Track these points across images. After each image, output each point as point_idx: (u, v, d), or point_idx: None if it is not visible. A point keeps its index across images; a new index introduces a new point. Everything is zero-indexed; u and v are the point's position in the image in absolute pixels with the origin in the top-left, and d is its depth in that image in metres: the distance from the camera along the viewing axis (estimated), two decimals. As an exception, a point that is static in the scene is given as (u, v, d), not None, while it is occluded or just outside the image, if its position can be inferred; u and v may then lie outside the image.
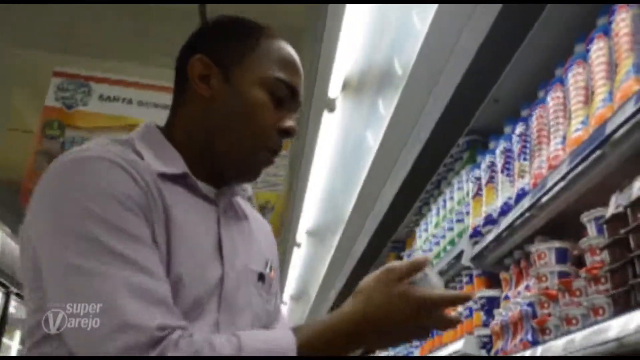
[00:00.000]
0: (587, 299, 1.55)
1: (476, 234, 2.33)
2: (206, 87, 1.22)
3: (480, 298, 2.29)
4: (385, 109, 2.57)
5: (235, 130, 1.20)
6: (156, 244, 1.07)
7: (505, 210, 2.11)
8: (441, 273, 2.71)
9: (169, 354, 0.94)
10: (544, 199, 1.81)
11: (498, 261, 2.31)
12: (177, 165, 1.19)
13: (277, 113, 1.20)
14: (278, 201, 5.36)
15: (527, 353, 1.79)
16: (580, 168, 1.63)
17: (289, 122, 1.21)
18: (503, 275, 2.24)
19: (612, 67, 1.58)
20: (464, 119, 2.49)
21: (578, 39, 1.79)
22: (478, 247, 2.31)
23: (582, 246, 1.61)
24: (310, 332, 1.04)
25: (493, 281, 2.37)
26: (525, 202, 1.91)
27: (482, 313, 2.28)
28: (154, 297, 0.99)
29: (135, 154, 1.15)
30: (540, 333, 1.78)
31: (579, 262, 1.80)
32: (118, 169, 1.08)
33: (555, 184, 1.72)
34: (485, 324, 2.24)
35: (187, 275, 1.11)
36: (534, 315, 1.87)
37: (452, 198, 2.70)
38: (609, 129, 1.47)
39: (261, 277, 1.28)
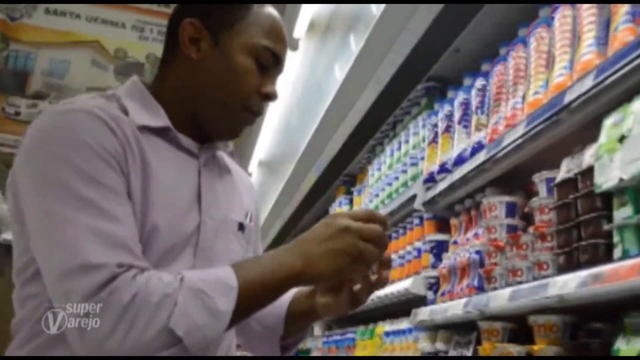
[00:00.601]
0: (533, 254, 1.69)
1: (430, 179, 2.44)
2: (195, 50, 1.28)
3: (430, 241, 2.42)
4: (352, 48, 2.61)
5: (221, 93, 1.27)
6: (130, 195, 1.14)
7: (459, 160, 2.22)
8: (392, 214, 2.84)
9: (124, 288, 1.01)
10: (499, 155, 1.92)
11: (449, 207, 2.44)
12: (160, 119, 1.26)
13: (260, 78, 1.27)
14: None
15: (473, 298, 1.94)
16: (535, 131, 1.74)
17: (271, 87, 1.29)
18: (453, 221, 2.37)
19: (574, 37, 1.66)
20: (425, 66, 2.56)
21: (543, 4, 1.85)
22: (431, 193, 2.43)
23: (532, 205, 1.73)
24: (246, 262, 1.14)
25: (443, 225, 2.51)
26: (481, 156, 2.01)
27: (431, 255, 2.42)
28: (117, 241, 1.06)
29: (120, 109, 1.22)
30: (487, 281, 1.93)
31: (527, 217, 1.94)
32: (97, 121, 1.14)
33: (512, 142, 1.82)
34: (434, 266, 2.39)
35: (163, 224, 1.19)
36: (482, 263, 2.01)
37: (407, 142, 2.79)
38: (567, 98, 1.57)
39: (241, 227, 1.37)
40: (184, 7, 1.32)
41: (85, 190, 1.08)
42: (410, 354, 2.43)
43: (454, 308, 2.01)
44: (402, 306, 2.86)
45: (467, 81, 2.33)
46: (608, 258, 1.39)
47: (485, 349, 1.86)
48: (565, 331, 1.61)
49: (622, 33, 1.44)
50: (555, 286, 1.49)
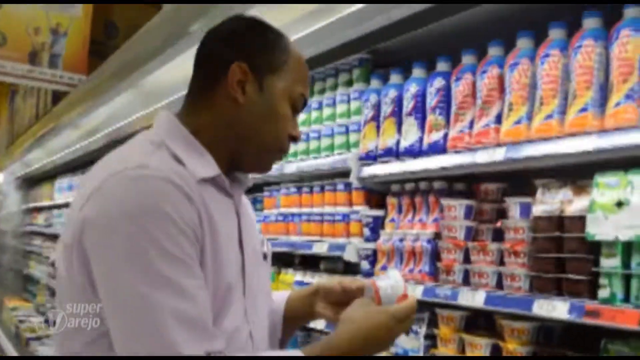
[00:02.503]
0: (508, 268, 2.07)
1: (369, 158, 2.70)
2: (241, 93, 1.40)
3: (367, 216, 2.72)
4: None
5: (262, 136, 1.44)
6: (203, 262, 1.28)
7: (410, 151, 2.50)
8: (317, 175, 3.06)
9: None
10: (472, 170, 2.24)
11: (385, 185, 2.74)
12: (212, 167, 1.40)
13: (292, 121, 1.46)
14: (73, 25, 4.99)
15: (429, 284, 2.31)
16: (514, 163, 2.07)
17: (298, 130, 1.49)
18: (391, 200, 2.68)
19: (563, 82, 1.98)
20: (370, 38, 2.70)
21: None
22: (369, 170, 2.69)
23: (507, 224, 2.10)
24: (313, 348, 1.35)
25: (372, 198, 2.81)
26: (444, 160, 2.31)
27: (366, 229, 2.72)
28: (200, 325, 1.22)
29: (174, 159, 1.34)
30: (445, 273, 2.30)
31: (479, 214, 2.31)
32: (177, 191, 1.26)
33: (488, 163, 2.14)
34: (369, 240, 2.71)
35: (232, 279, 1.37)
36: (434, 254, 2.37)
37: (334, 105, 2.98)
38: (560, 149, 1.91)
39: (265, 256, 1.57)
40: (228, 46, 1.41)
41: (168, 268, 1.20)
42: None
43: (409, 290, 2.36)
44: (315, 260, 3.18)
45: (418, 72, 2.56)
46: (592, 295, 1.81)
47: (446, 334, 2.27)
48: (537, 336, 2.05)
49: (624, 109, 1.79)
50: (541, 307, 1.89)
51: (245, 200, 1.56)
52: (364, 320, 1.37)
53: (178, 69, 3.40)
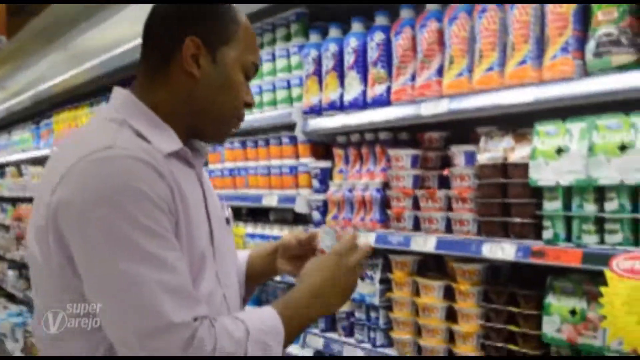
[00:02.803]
0: (455, 214, 2.21)
1: (313, 112, 2.77)
2: (196, 67, 1.45)
3: (315, 168, 2.81)
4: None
5: (218, 106, 1.51)
6: (178, 233, 1.35)
7: (354, 104, 2.58)
8: (261, 129, 3.12)
9: (206, 339, 1.28)
10: (415, 121, 2.34)
11: (330, 136, 2.82)
12: (175, 142, 1.47)
13: (246, 88, 1.53)
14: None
15: (380, 231, 2.44)
16: (456, 115, 2.19)
17: (251, 96, 1.56)
18: (337, 151, 2.77)
19: (501, 36, 2.08)
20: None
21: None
22: (315, 124, 2.76)
23: (454, 172, 2.23)
24: (285, 309, 1.43)
25: (317, 148, 2.89)
26: (390, 112, 2.40)
27: (315, 180, 2.81)
28: (185, 294, 1.30)
29: (137, 136, 1.39)
30: (396, 220, 2.42)
31: (424, 161, 2.44)
32: (148, 168, 1.31)
33: (432, 115, 2.25)
34: (318, 191, 2.80)
35: (205, 247, 1.46)
36: (384, 202, 2.49)
37: (273, 60, 3.01)
38: (502, 100, 2.03)
39: (227, 221, 1.66)
40: (178, 22, 1.45)
41: (148, 243, 1.27)
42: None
43: (362, 238, 2.47)
44: (262, 211, 3.27)
45: (357, 27, 2.61)
46: (536, 236, 1.97)
47: (400, 277, 2.41)
48: (486, 275, 2.21)
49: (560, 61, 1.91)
50: (490, 250, 2.04)
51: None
52: (315, 267, 1.51)
53: (105, 31, 3.34)
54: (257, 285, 1.85)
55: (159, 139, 1.40)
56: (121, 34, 3.52)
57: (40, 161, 6.37)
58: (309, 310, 1.47)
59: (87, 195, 1.27)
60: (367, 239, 2.43)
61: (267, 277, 1.87)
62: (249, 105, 1.54)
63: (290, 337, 1.41)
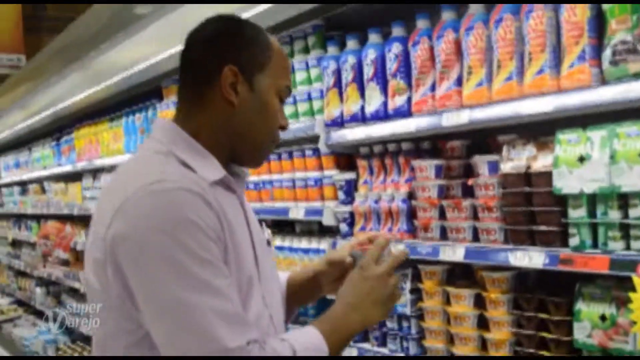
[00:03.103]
0: (482, 223, 2.26)
1: (335, 124, 2.83)
2: (235, 95, 1.53)
3: (339, 180, 2.87)
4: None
5: (256, 132, 1.59)
6: (227, 261, 1.44)
7: (376, 116, 2.64)
8: (284, 142, 3.19)
9: None
10: (436, 131, 2.40)
11: (353, 147, 2.88)
12: (218, 169, 1.54)
13: (280, 112, 1.61)
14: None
15: (408, 241, 2.50)
16: (477, 125, 2.24)
17: (286, 120, 1.63)
18: (361, 162, 2.83)
19: (518, 45, 2.13)
20: (324, 9, 2.78)
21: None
22: (338, 136, 2.83)
23: (478, 182, 2.28)
24: (327, 327, 1.50)
25: (341, 162, 2.96)
26: (411, 124, 2.46)
27: (341, 192, 2.88)
28: (238, 319, 1.38)
29: (183, 166, 1.48)
30: (423, 230, 2.48)
31: (447, 170, 2.49)
32: (197, 198, 1.40)
33: (454, 126, 2.30)
34: (344, 202, 2.87)
35: (252, 270, 1.53)
36: (411, 212, 2.55)
37: (293, 72, 3.07)
38: (523, 110, 2.07)
39: (268, 242, 1.73)
40: (217, 51, 1.52)
41: (202, 272, 1.35)
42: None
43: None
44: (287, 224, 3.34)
45: (375, 38, 2.67)
46: (563, 243, 2.02)
47: (430, 287, 2.47)
48: (514, 283, 2.27)
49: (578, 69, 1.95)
50: (518, 258, 2.10)
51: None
52: (347, 282, 1.58)
53: (124, 51, 3.42)
54: (297, 307, 1.91)
55: (203, 168, 1.48)
56: (141, 52, 3.61)
57: (62, 177, 6.51)
58: (348, 325, 1.53)
59: (142, 228, 1.36)
60: (398, 248, 2.49)
61: (306, 301, 1.95)
62: (284, 128, 1.61)
63: (334, 351, 1.48)
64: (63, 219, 6.36)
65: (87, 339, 6.05)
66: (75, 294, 6.42)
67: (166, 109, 4.21)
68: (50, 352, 6.40)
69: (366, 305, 1.55)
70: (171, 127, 1.54)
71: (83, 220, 5.89)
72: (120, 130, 4.93)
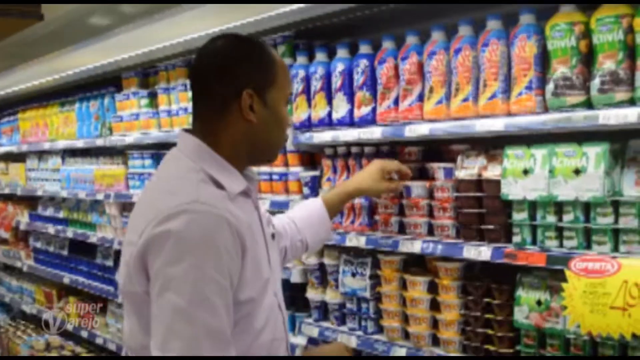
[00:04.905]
0: (437, 221, 2.65)
1: (303, 126, 3.15)
2: (253, 114, 1.79)
3: (305, 177, 3.20)
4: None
5: (273, 140, 1.89)
6: (243, 273, 1.71)
7: (343, 122, 2.98)
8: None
9: None
10: (395, 139, 2.76)
11: (318, 148, 3.21)
12: (241, 181, 1.83)
13: (288, 115, 1.91)
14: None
15: (366, 232, 2.87)
16: (436, 137, 2.61)
17: (290, 118, 2.00)
18: (326, 161, 3.16)
19: (474, 70, 2.51)
20: (297, 24, 3.09)
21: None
22: (305, 137, 3.15)
23: (436, 185, 2.66)
24: None
25: (304, 158, 3.28)
26: (376, 131, 2.81)
27: (306, 188, 3.20)
28: (223, 338, 1.63)
29: (212, 181, 1.75)
30: (384, 225, 2.86)
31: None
32: (223, 224, 1.65)
33: (416, 136, 2.67)
34: (309, 197, 3.19)
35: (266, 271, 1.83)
36: (371, 209, 2.91)
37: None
38: (476, 128, 2.46)
39: (273, 236, 2.03)
40: (234, 78, 1.76)
41: (208, 290, 1.60)
42: (292, 264, 3.28)
43: (354, 240, 2.90)
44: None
45: (343, 52, 3.00)
46: (507, 240, 2.43)
47: (389, 274, 2.85)
48: (464, 271, 2.67)
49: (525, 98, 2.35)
50: (470, 252, 2.50)
51: None
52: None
53: (84, 56, 3.60)
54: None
55: (229, 182, 1.75)
56: (101, 57, 3.80)
57: (2, 157, 6.50)
58: None
59: (171, 239, 1.60)
60: (359, 242, 2.86)
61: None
62: (289, 125, 1.92)
63: None
64: (4, 198, 6.39)
65: (27, 317, 6.15)
66: (13, 272, 6.48)
67: (126, 100, 4.40)
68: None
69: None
70: (199, 144, 1.77)
71: (26, 201, 5.96)
72: (73, 115, 5.05)
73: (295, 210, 2.43)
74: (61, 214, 5.33)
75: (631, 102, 2.11)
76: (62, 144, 5.20)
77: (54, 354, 5.25)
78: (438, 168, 2.69)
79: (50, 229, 5.45)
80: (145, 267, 1.65)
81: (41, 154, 5.71)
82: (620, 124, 2.07)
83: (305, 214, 2.39)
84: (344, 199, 2.47)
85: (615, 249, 2.18)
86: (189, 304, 1.57)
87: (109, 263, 4.74)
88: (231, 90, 1.76)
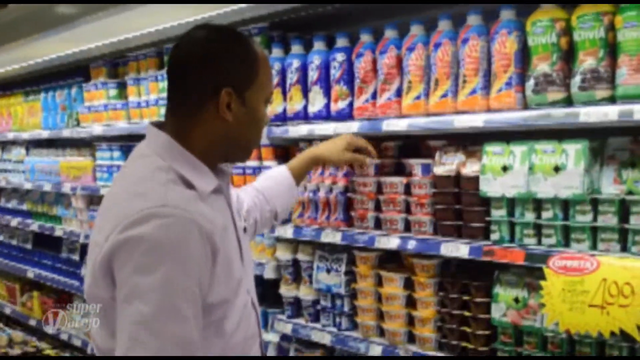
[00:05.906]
0: (415, 217, 2.64)
1: (278, 119, 3.11)
2: (229, 113, 1.71)
3: (280, 171, 3.15)
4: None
5: (248, 139, 1.79)
6: (212, 277, 1.64)
7: (319, 116, 2.94)
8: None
9: None
10: (372, 134, 2.73)
11: (293, 141, 3.17)
12: (212, 180, 1.75)
13: (266, 114, 1.83)
14: None
15: (341, 228, 2.84)
16: (414, 132, 2.59)
17: (268, 117, 1.89)
18: (300, 155, 3.12)
19: (453, 66, 2.49)
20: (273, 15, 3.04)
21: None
22: (280, 131, 3.10)
23: (414, 182, 2.64)
24: None
25: (279, 152, 3.24)
26: (354, 126, 2.78)
27: (280, 182, 3.16)
28: (189, 347, 1.55)
29: (182, 181, 1.66)
30: (360, 220, 2.83)
31: (381, 167, 2.83)
32: (193, 228, 1.56)
33: (393, 130, 2.64)
34: (283, 191, 3.15)
35: (228, 291, 1.72)
36: (347, 204, 2.88)
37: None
38: (455, 123, 2.45)
39: (245, 230, 1.99)
40: (213, 75, 1.65)
41: (176, 298, 1.53)
42: (265, 259, 3.24)
43: (330, 236, 2.87)
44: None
45: (320, 45, 2.96)
46: (485, 237, 2.42)
47: (364, 270, 2.82)
48: (440, 268, 2.66)
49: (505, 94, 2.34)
50: (448, 249, 2.48)
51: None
52: None
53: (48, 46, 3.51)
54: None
55: (200, 181, 1.66)
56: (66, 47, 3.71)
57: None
58: None
59: (137, 245, 1.51)
60: (335, 238, 2.83)
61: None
62: (266, 123, 1.83)
63: None
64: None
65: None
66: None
67: (94, 90, 4.30)
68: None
69: None
70: (170, 141, 1.68)
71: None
72: (38, 105, 4.93)
73: (262, 181, 2.35)
74: (25, 207, 5.20)
75: (611, 99, 2.11)
76: (26, 134, 5.07)
77: (17, 350, 5.13)
78: (416, 164, 2.67)
79: (13, 221, 5.32)
80: (111, 272, 1.57)
81: (4, 145, 5.57)
82: (601, 122, 2.07)
83: (272, 184, 2.33)
84: (309, 164, 2.45)
85: (594, 246, 2.18)
86: (156, 313, 1.50)
87: (75, 257, 4.64)
88: (210, 87, 1.66)
